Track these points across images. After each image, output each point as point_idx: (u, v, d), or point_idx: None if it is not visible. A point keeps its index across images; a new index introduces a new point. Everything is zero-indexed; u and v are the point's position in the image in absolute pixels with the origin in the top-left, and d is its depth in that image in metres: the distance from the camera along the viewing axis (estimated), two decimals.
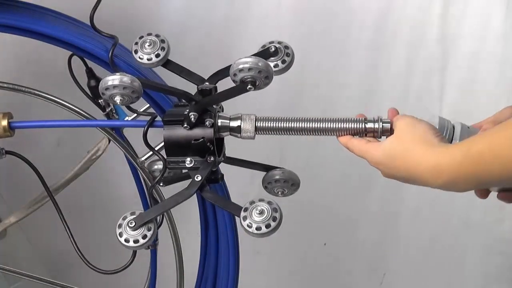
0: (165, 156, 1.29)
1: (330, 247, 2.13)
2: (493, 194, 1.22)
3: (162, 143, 1.41)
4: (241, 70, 1.22)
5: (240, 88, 1.24)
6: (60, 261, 2.00)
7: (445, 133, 1.22)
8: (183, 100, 1.30)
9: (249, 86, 1.23)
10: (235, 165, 1.36)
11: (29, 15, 1.47)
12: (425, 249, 2.10)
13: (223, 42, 1.94)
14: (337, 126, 1.24)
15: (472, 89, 1.96)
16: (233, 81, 1.25)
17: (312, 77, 1.96)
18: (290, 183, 1.35)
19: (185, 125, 1.25)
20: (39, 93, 1.52)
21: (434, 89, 1.98)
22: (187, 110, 1.25)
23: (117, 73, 1.22)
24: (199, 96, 1.28)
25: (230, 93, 1.26)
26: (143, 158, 1.44)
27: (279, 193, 1.36)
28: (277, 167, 1.36)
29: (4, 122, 1.40)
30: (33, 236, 1.99)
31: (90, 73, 1.51)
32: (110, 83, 1.22)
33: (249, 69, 1.22)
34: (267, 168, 1.36)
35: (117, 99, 1.23)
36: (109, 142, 1.55)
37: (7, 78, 1.55)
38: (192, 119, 1.24)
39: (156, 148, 1.37)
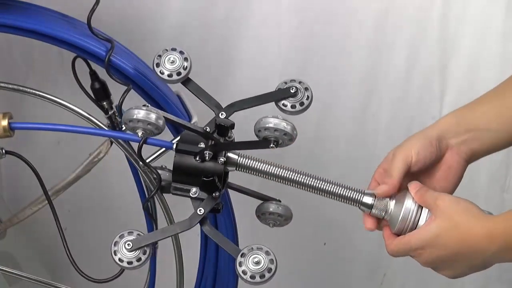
0: (159, 172, 1.31)
1: (330, 247, 2.13)
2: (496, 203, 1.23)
3: (159, 152, 1.42)
4: (266, 129, 1.23)
5: (263, 144, 1.25)
6: (60, 262, 2.00)
7: None
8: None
9: (272, 145, 1.24)
10: (235, 190, 1.37)
11: (31, 15, 1.46)
12: None
13: (223, 42, 1.94)
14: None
15: (472, 89, 1.96)
16: (256, 135, 1.26)
17: (312, 77, 1.95)
18: (283, 218, 1.36)
19: (197, 159, 1.25)
20: (39, 93, 1.52)
21: (434, 89, 1.98)
22: (202, 144, 1.26)
23: (144, 107, 1.23)
24: (216, 130, 1.27)
25: (250, 146, 1.27)
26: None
27: (271, 224, 1.37)
28: (273, 200, 1.36)
29: (4, 122, 1.40)
30: (33, 236, 1.99)
31: (94, 76, 1.50)
32: (135, 116, 1.22)
33: (275, 130, 1.23)
34: (263, 198, 1.37)
35: (139, 131, 1.23)
36: (111, 145, 1.55)
37: (8, 78, 1.55)
38: (207, 157, 1.25)
39: (152, 157, 1.38)
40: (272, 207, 1.35)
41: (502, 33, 1.93)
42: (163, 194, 1.55)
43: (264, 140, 1.24)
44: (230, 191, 1.50)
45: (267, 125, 1.23)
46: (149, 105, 1.25)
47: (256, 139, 1.27)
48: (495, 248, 1.14)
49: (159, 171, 1.32)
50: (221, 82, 1.94)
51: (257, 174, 1.28)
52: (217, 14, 1.91)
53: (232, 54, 1.94)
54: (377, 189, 1.24)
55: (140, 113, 1.22)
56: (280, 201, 1.36)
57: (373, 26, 1.93)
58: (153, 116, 1.22)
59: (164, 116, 1.25)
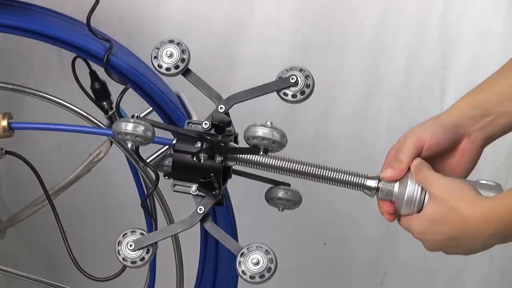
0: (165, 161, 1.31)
1: (329, 247, 2.13)
2: None
3: (161, 149, 1.42)
4: (255, 138, 1.23)
5: (253, 150, 1.25)
6: (60, 262, 2.00)
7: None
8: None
9: (261, 153, 1.24)
10: (242, 176, 1.37)
11: (31, 15, 1.47)
12: (425, 250, 2.10)
13: (225, 43, 1.94)
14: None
15: None
16: (246, 142, 1.25)
17: None
18: (293, 203, 1.36)
19: (194, 159, 1.25)
20: (39, 93, 1.52)
21: (434, 89, 1.98)
22: (199, 144, 1.25)
23: (132, 120, 1.22)
24: (213, 129, 1.27)
25: (242, 151, 1.27)
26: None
27: (280, 208, 1.36)
28: (283, 183, 1.36)
29: (4, 123, 1.40)
30: (33, 237, 1.99)
31: (94, 76, 1.50)
32: (123, 129, 1.22)
33: (263, 138, 1.23)
34: (274, 182, 1.36)
35: (129, 143, 1.23)
36: (111, 145, 1.55)
37: (8, 78, 1.55)
38: (202, 159, 1.25)
39: (153, 157, 1.38)
40: (281, 192, 1.35)
41: (502, 33, 1.93)
42: (163, 193, 1.56)
43: (255, 148, 1.24)
44: (231, 188, 1.50)
45: (255, 134, 1.23)
46: (139, 114, 1.25)
47: None
48: (492, 230, 1.13)
49: (166, 160, 1.33)
50: (222, 83, 1.93)
51: (258, 167, 1.28)
52: (218, 16, 1.91)
53: (233, 55, 1.94)
54: (383, 172, 1.24)
55: (128, 126, 1.22)
56: (289, 184, 1.36)
57: (373, 26, 1.93)
58: (141, 129, 1.21)
59: (154, 125, 1.24)
